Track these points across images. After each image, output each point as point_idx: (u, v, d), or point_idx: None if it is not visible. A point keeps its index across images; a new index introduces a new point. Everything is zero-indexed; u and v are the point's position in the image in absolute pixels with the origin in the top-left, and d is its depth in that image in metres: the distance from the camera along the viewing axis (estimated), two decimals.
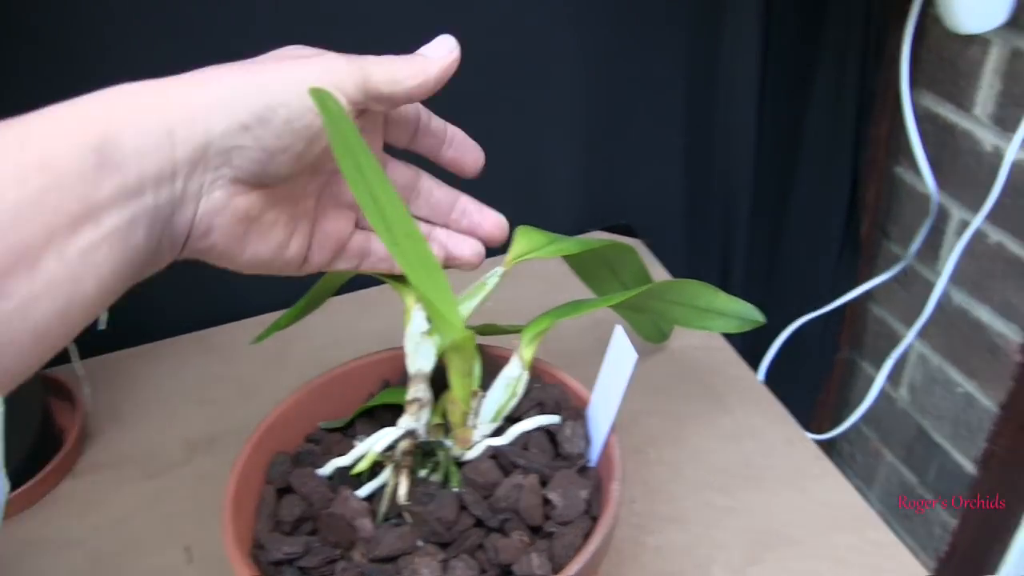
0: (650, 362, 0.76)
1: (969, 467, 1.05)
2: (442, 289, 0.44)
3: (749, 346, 1.12)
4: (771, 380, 1.04)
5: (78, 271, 0.32)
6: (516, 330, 0.54)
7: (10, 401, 0.68)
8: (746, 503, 0.64)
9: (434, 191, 0.51)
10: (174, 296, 0.84)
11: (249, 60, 0.40)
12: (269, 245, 0.42)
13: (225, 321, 0.84)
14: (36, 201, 0.30)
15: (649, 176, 0.96)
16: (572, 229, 0.93)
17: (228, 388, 0.77)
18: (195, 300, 0.84)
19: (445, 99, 0.83)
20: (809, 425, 1.02)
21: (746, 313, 0.61)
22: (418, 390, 0.49)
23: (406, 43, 0.46)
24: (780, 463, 0.67)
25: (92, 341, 0.79)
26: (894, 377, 1.14)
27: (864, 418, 1.21)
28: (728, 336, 0.97)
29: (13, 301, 0.30)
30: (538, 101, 0.87)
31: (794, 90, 0.97)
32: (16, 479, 0.67)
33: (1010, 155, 0.84)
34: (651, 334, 0.75)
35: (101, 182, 0.32)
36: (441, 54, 0.44)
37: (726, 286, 1.03)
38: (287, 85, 0.38)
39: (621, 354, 0.48)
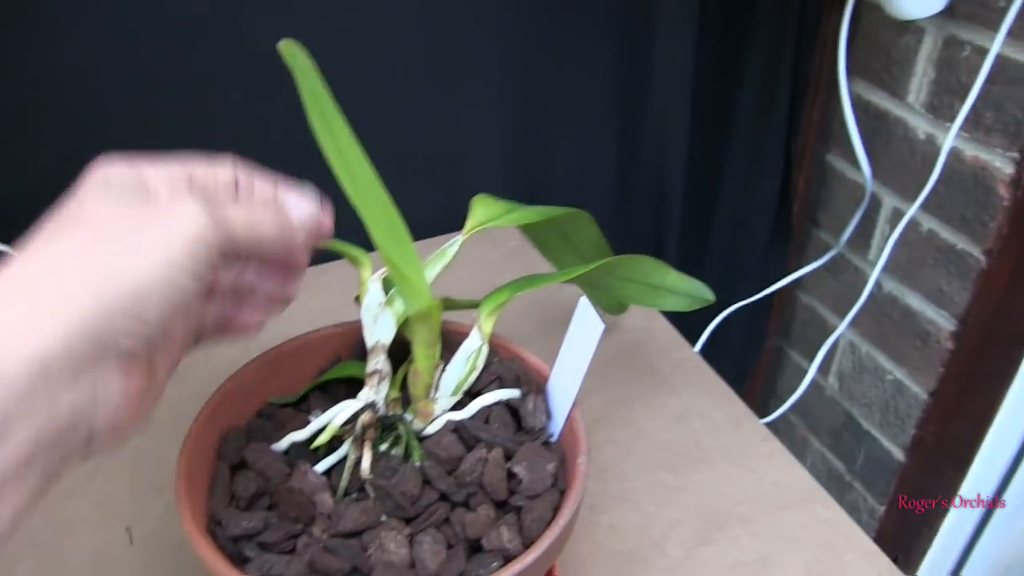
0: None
1: (898, 454, 1.07)
2: (409, 255, 0.43)
3: (680, 329, 1.13)
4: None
5: None
6: (473, 305, 0.53)
7: None
8: (696, 483, 0.64)
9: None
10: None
11: (82, 230, 0.34)
12: (163, 382, 0.37)
13: None
14: None
15: (579, 155, 0.96)
16: None
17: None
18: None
19: (371, 79, 0.82)
20: None
21: (696, 291, 0.62)
22: (378, 362, 0.48)
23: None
24: (728, 443, 0.67)
25: None
26: (823, 366, 1.16)
27: (792, 407, 1.24)
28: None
29: None
30: (463, 79, 0.86)
31: (728, 72, 0.97)
32: None
33: (946, 144, 0.87)
34: (609, 305, 0.74)
35: None
36: (306, 218, 0.40)
37: None
38: (148, 259, 0.33)
39: (586, 324, 0.48)
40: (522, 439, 0.49)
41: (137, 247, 0.33)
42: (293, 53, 0.37)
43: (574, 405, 0.49)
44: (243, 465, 0.49)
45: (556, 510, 0.45)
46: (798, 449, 1.26)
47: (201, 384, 0.51)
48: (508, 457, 0.47)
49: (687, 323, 1.11)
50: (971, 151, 0.86)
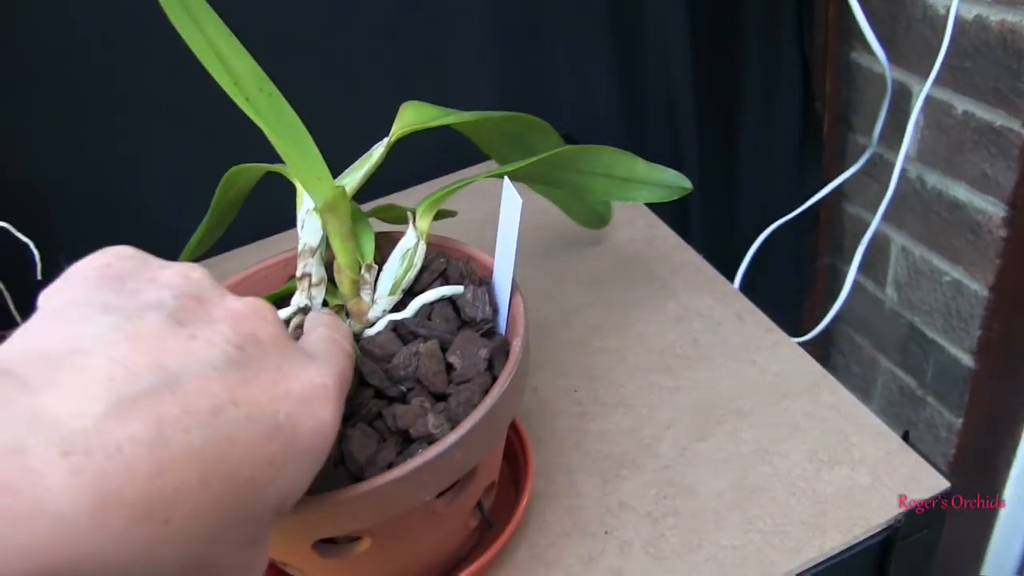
0: (591, 255, 0.74)
1: (967, 359, 1.01)
2: (303, 144, 0.42)
3: (722, 260, 1.09)
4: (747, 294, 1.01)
5: None
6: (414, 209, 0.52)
7: None
8: (693, 381, 0.61)
9: None
10: (111, 236, 0.83)
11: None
12: None
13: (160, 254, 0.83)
14: None
15: (580, 85, 0.93)
16: None
17: None
18: (131, 241, 0.83)
19: (358, 18, 0.82)
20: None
21: (670, 180, 0.59)
22: (307, 265, 0.47)
23: None
24: (729, 339, 0.64)
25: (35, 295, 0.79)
26: (878, 277, 1.10)
27: (854, 325, 1.18)
28: (691, 242, 0.95)
29: None
30: (450, 12, 0.85)
31: None
32: None
33: (969, 15, 0.81)
34: (587, 218, 0.72)
35: None
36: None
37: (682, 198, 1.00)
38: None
39: (510, 204, 0.46)
40: (461, 331, 0.47)
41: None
42: None
43: (513, 290, 0.48)
44: None
45: (486, 393, 0.44)
46: (867, 371, 1.21)
47: None
48: (445, 349, 0.46)
49: (728, 250, 1.07)
50: (996, 16, 0.80)
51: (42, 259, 0.70)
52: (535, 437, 0.59)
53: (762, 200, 1.07)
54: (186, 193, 0.80)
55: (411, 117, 0.51)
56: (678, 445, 0.57)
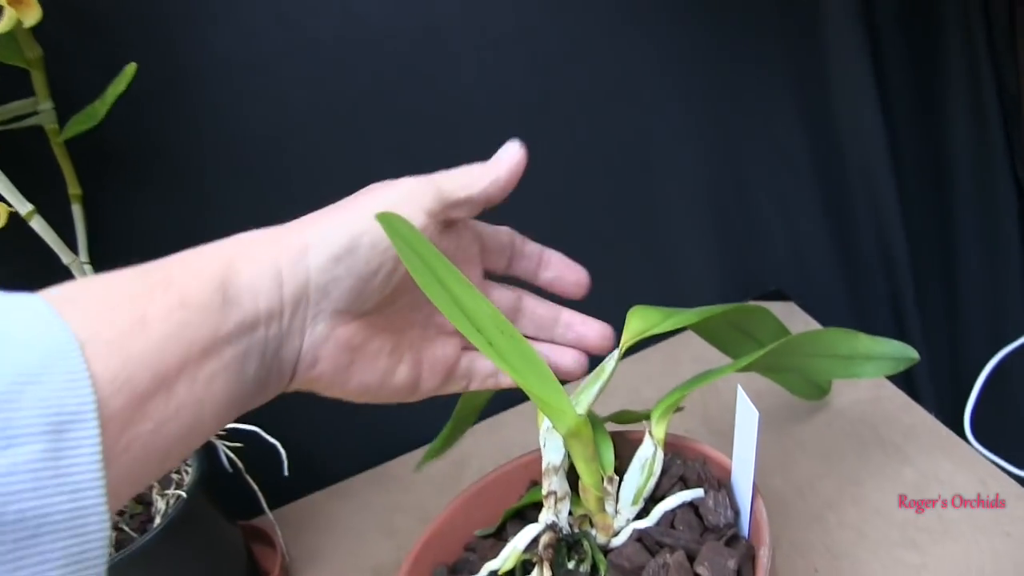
0: (817, 421, 0.73)
1: None
2: (545, 378, 0.45)
3: (951, 396, 1.04)
4: (981, 430, 0.96)
5: (201, 397, 0.36)
6: (648, 414, 0.53)
7: (216, 550, 0.74)
8: (941, 558, 0.59)
9: (537, 308, 0.53)
10: (350, 437, 0.89)
11: (342, 200, 0.44)
12: (375, 374, 0.46)
13: (399, 454, 0.88)
14: (176, 334, 0.35)
15: (788, 235, 0.93)
16: None
17: (410, 516, 0.79)
18: (369, 437, 0.88)
19: (567, 193, 0.85)
20: None
21: (896, 352, 0.58)
22: (551, 483, 0.50)
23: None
24: (976, 511, 0.62)
25: (283, 490, 0.85)
26: None
27: None
28: (916, 388, 0.92)
29: (151, 422, 0.33)
30: (657, 182, 0.88)
31: (924, 111, 0.92)
32: None
33: None
34: (807, 391, 0.72)
35: (225, 318, 0.37)
36: (508, 156, 0.47)
37: (904, 335, 0.97)
38: (367, 214, 0.42)
39: (745, 414, 0.47)
40: (707, 539, 0.48)
41: (357, 207, 0.43)
42: (390, 221, 0.41)
43: (754, 496, 0.48)
44: None
45: None
46: None
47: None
48: (692, 558, 0.47)
49: (957, 385, 1.03)
50: None
51: (287, 456, 0.76)
52: None
53: (989, 329, 1.03)
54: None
55: (639, 325, 0.53)
56: None
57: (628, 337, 0.53)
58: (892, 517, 0.63)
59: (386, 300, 0.45)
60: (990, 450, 0.77)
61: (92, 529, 0.30)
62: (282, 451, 0.75)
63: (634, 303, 0.54)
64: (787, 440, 0.72)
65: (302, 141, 0.78)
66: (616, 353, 0.53)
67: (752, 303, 0.58)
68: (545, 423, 0.51)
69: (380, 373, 0.46)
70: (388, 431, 0.88)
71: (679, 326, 0.54)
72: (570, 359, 0.52)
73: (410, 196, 0.44)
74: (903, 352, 0.58)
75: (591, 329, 0.53)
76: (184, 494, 0.70)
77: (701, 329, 0.60)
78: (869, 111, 0.88)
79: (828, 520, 0.64)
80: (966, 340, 1.04)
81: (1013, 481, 0.63)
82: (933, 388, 1.01)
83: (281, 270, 0.40)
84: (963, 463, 0.65)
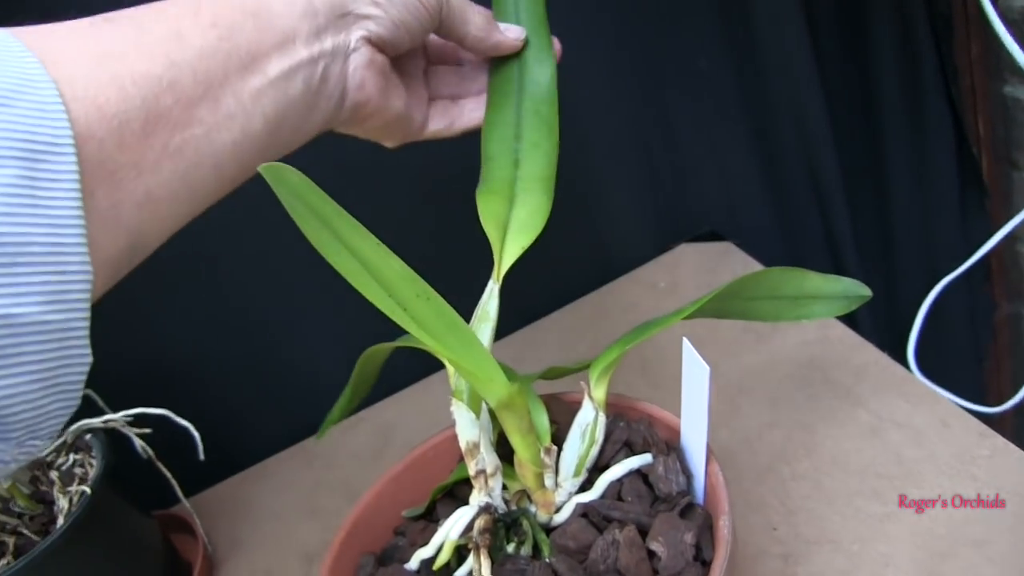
0: (762, 367, 0.69)
1: None
2: (470, 345, 0.40)
3: (889, 331, 1.02)
4: (924, 363, 0.94)
5: (249, 109, 0.37)
6: (585, 366, 0.48)
7: (131, 546, 0.68)
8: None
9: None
10: (265, 415, 0.83)
11: None
12: (401, 103, 0.47)
13: (317, 429, 0.83)
14: (214, 48, 0.36)
15: (719, 175, 0.88)
16: (652, 251, 0.87)
17: (335, 494, 0.74)
18: (284, 414, 0.83)
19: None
20: (982, 403, 0.90)
21: (847, 290, 0.54)
22: (478, 462, 0.44)
23: None
24: (938, 450, 0.58)
25: (200, 476, 0.78)
26: None
27: None
28: (856, 323, 0.89)
29: (201, 127, 0.35)
30: (579, 122, 0.82)
31: (852, 35, 0.87)
32: None
33: None
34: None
35: (261, 37, 0.38)
36: (513, 32, 0.52)
37: (842, 271, 0.94)
38: None
39: (694, 370, 0.43)
40: (659, 510, 0.43)
41: None
42: (278, 173, 0.35)
43: (708, 459, 0.44)
44: None
45: None
46: None
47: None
48: (645, 534, 0.42)
49: (895, 319, 1.00)
50: None
51: (201, 439, 0.70)
52: None
53: (925, 261, 1.00)
54: (331, 358, 0.79)
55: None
56: None
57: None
58: (848, 465, 0.59)
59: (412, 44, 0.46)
60: (936, 385, 0.75)
61: (72, 268, 0.30)
62: (195, 433, 0.69)
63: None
64: (731, 388, 0.68)
65: None
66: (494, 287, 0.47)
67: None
68: (462, 393, 0.46)
69: (404, 101, 0.48)
70: (304, 406, 0.82)
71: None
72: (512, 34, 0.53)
73: None
74: (854, 290, 0.54)
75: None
76: (88, 489, 0.63)
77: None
78: (795, 40, 0.83)
79: (781, 472, 0.60)
80: (903, 275, 1.02)
81: (973, 418, 0.60)
82: (873, 326, 0.98)
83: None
84: (920, 403, 0.62)
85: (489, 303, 0.47)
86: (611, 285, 0.84)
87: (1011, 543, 0.51)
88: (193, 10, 0.37)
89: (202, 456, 0.70)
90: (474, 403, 0.44)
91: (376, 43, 0.43)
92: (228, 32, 0.37)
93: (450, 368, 0.45)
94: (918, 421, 0.60)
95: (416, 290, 0.38)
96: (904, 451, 0.59)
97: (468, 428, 0.44)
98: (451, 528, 0.43)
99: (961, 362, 1.07)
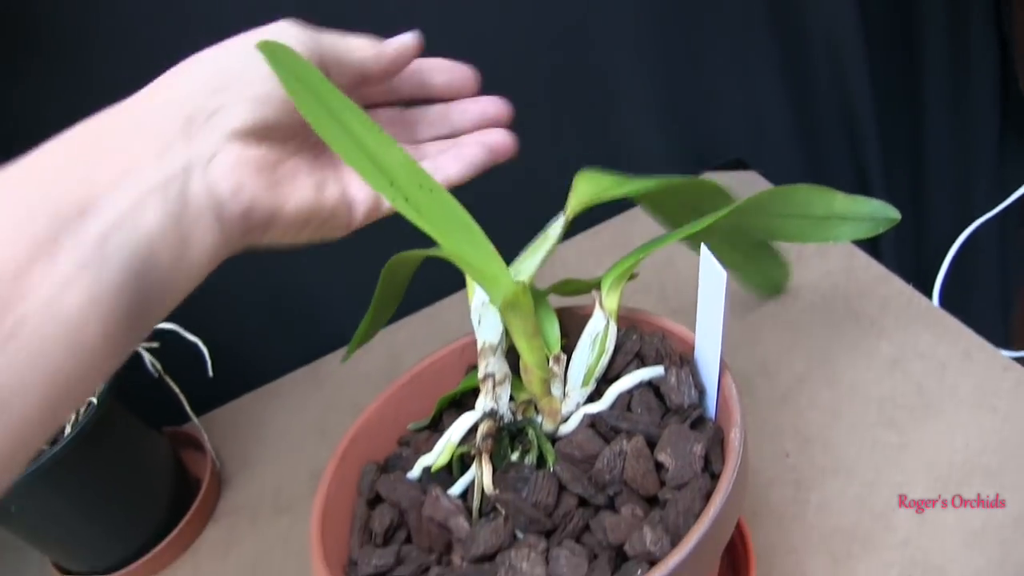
0: (784, 298, 0.67)
1: None
2: (475, 240, 0.38)
3: (916, 271, 0.99)
4: (949, 305, 0.91)
5: (96, 259, 0.31)
6: (596, 283, 0.47)
7: (138, 458, 0.68)
8: (922, 436, 0.54)
9: (425, 110, 0.47)
10: (277, 335, 0.82)
11: None
12: (307, 190, 0.39)
13: (329, 350, 0.82)
14: (32, 211, 0.31)
15: (747, 105, 0.86)
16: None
17: (344, 415, 0.73)
18: (296, 335, 0.82)
19: (511, 61, 0.77)
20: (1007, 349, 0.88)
21: (875, 212, 0.52)
22: (488, 365, 0.43)
23: None
24: (959, 382, 0.56)
25: (210, 395, 0.78)
26: None
27: None
28: (885, 259, 0.87)
29: (43, 289, 0.30)
30: (606, 49, 0.79)
31: None
32: (162, 529, 0.69)
33: None
34: (762, 283, 0.65)
35: (93, 176, 0.33)
36: (399, 40, 0.42)
37: None
38: (247, 44, 0.35)
39: (711, 277, 0.41)
40: (668, 422, 0.42)
41: (226, 44, 0.37)
42: (273, 50, 0.33)
43: (722, 371, 0.42)
44: (379, 499, 0.46)
45: (708, 497, 0.38)
46: None
47: None
48: (654, 445, 0.41)
49: (923, 258, 0.98)
50: None
51: (211, 357, 0.69)
52: (748, 511, 0.53)
53: (957, 202, 0.97)
54: (345, 279, 0.78)
55: (587, 189, 0.46)
56: (916, 514, 0.50)
57: (576, 204, 0.46)
58: (868, 394, 0.58)
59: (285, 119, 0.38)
60: None
61: None
62: (204, 349, 0.69)
63: (567, 165, 0.48)
64: (751, 316, 0.66)
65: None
66: (561, 219, 0.46)
67: (710, 178, 0.51)
68: (478, 296, 0.45)
69: (311, 190, 0.40)
70: (316, 327, 0.82)
71: (631, 193, 0.47)
72: (480, 145, 0.45)
73: (285, 34, 0.37)
74: (882, 212, 0.52)
75: (487, 101, 0.46)
76: (94, 400, 0.63)
77: (653, 204, 0.54)
78: None
79: (798, 401, 0.59)
80: (934, 215, 0.99)
81: (997, 350, 0.58)
82: (898, 266, 0.95)
83: (154, 109, 0.36)
84: (944, 335, 0.60)
85: (552, 231, 0.46)
86: (633, 211, 0.82)
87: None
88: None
89: (211, 373, 0.69)
90: None
91: (243, 135, 0.37)
92: (47, 190, 0.32)
93: (468, 279, 0.44)
94: (941, 353, 0.59)
95: (418, 180, 0.37)
96: (925, 382, 0.57)
97: (489, 328, 0.43)
98: (454, 431, 0.42)
99: (987, 306, 1.05)
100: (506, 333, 0.44)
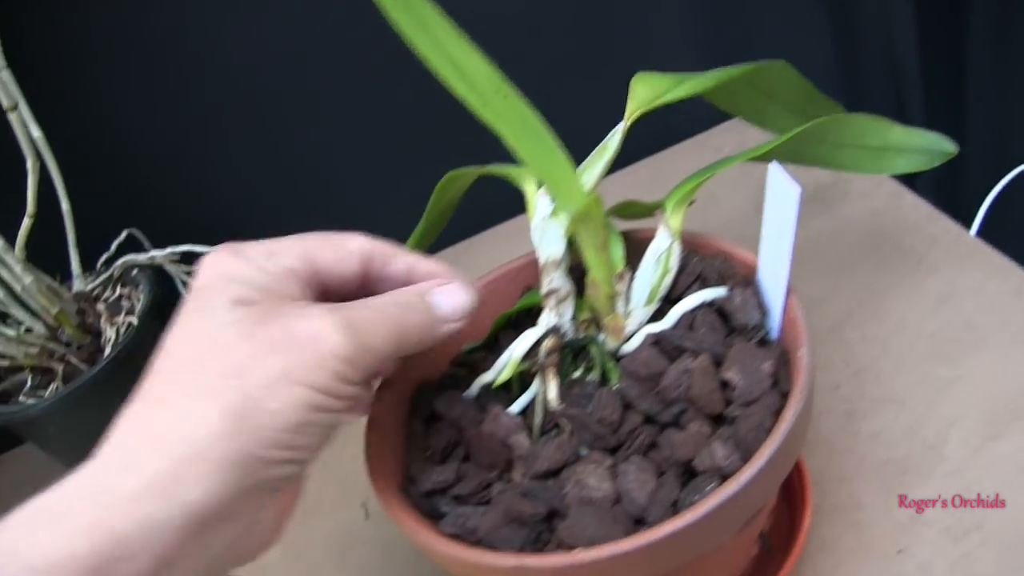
0: (831, 233, 0.67)
1: None
2: (548, 148, 0.37)
3: (952, 215, 0.98)
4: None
5: None
6: (659, 205, 0.46)
7: None
8: (973, 370, 0.54)
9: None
10: None
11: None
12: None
13: None
14: None
15: (788, 35, 0.84)
16: (716, 115, 0.84)
17: None
18: None
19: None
20: None
21: (932, 144, 0.51)
22: (551, 280, 0.43)
23: None
24: (1011, 319, 0.56)
25: None
26: None
27: None
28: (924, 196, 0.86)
29: None
30: None
31: None
32: None
33: None
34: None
35: None
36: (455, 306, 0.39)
37: None
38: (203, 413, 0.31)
39: (781, 193, 0.40)
40: (733, 342, 0.42)
41: (269, 378, 0.31)
42: None
43: (788, 292, 0.42)
44: (436, 417, 0.45)
45: (778, 415, 0.38)
46: None
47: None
48: (719, 364, 0.41)
49: (960, 205, 0.96)
50: None
51: None
52: None
53: (998, 146, 0.96)
54: (386, 204, 0.77)
55: (645, 92, 0.45)
56: (968, 446, 0.50)
57: (634, 108, 0.45)
58: (920, 328, 0.57)
59: None
60: None
61: None
62: None
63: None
64: (798, 252, 0.65)
65: None
66: (621, 127, 0.45)
67: (770, 62, 0.50)
68: (540, 211, 0.44)
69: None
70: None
71: (693, 92, 0.46)
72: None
73: (329, 366, 0.32)
74: (939, 145, 0.52)
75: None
76: (135, 320, 0.63)
77: (717, 95, 0.52)
78: None
79: (847, 334, 0.58)
80: (973, 159, 0.98)
81: None
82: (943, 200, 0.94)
83: (200, 510, 0.30)
84: (994, 273, 0.59)
85: (611, 140, 0.44)
86: (674, 148, 0.81)
87: None
88: None
89: None
90: None
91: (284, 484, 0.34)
92: None
93: (529, 193, 0.44)
94: (991, 289, 0.58)
95: (496, 87, 0.36)
96: (975, 318, 0.57)
97: (552, 242, 0.42)
98: (515, 348, 0.42)
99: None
100: (568, 249, 0.43)
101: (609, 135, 0.45)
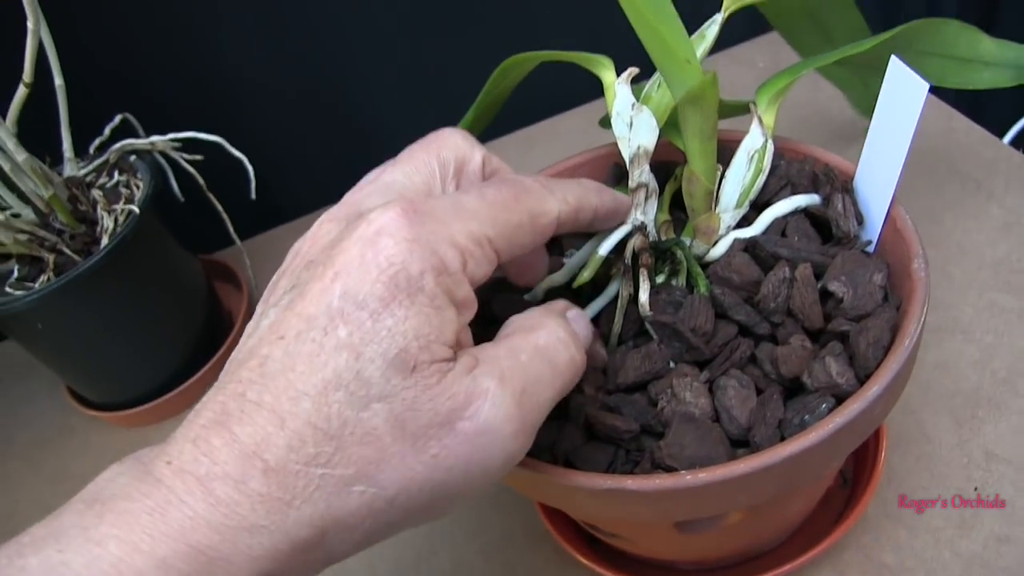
0: None
1: None
2: (668, 18, 0.33)
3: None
4: None
5: None
6: (745, 105, 0.42)
7: (173, 280, 0.63)
8: None
9: None
10: (321, 167, 0.77)
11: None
12: None
13: None
14: None
15: None
16: (748, 30, 0.80)
17: None
18: (341, 167, 0.76)
19: None
20: None
21: (1021, 58, 0.48)
22: (642, 172, 0.38)
23: None
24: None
25: (246, 223, 0.72)
26: None
27: None
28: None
29: None
30: None
31: None
32: (191, 364, 0.65)
33: None
34: (867, 106, 0.61)
35: None
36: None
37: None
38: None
39: (902, 90, 0.36)
40: (833, 251, 0.38)
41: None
42: None
43: (893, 200, 0.38)
44: (493, 320, 0.41)
45: (895, 331, 0.35)
46: None
47: None
48: (818, 276, 0.37)
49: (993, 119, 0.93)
50: None
51: (255, 175, 0.63)
52: None
53: None
54: (404, 115, 0.73)
55: None
56: None
57: (731, 1, 0.41)
58: (982, 257, 0.54)
59: None
60: None
61: None
62: (249, 167, 0.63)
63: None
64: None
65: None
66: (719, 17, 0.41)
67: None
68: (623, 102, 0.40)
69: None
70: (369, 161, 0.76)
71: None
72: None
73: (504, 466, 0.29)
74: None
75: None
76: (137, 208, 0.57)
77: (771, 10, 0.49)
78: None
79: None
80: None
81: None
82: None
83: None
84: None
85: (709, 29, 0.40)
86: (710, 59, 0.76)
87: None
88: None
89: (254, 195, 0.64)
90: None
91: None
92: None
93: (609, 82, 0.39)
94: None
95: None
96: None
97: (646, 132, 0.38)
98: (600, 245, 0.38)
99: None
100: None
101: (706, 23, 0.40)
